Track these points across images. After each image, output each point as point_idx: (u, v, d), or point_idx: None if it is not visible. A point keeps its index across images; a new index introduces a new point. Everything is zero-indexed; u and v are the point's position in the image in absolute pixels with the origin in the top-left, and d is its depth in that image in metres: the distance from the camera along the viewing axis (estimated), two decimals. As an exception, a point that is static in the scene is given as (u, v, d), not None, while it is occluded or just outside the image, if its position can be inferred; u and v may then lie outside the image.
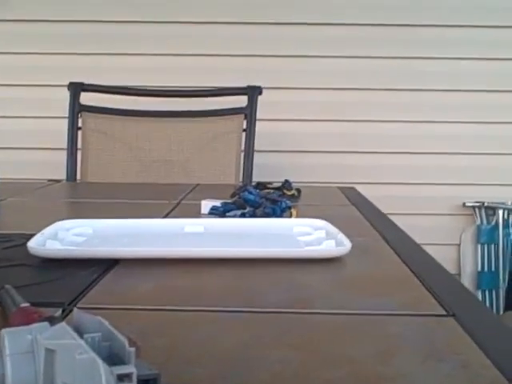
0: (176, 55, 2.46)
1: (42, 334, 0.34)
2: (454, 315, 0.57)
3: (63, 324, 0.36)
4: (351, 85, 2.48)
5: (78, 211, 1.22)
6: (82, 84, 1.96)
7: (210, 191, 1.30)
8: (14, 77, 2.46)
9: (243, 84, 1.99)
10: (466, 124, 2.49)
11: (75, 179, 1.89)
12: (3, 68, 2.48)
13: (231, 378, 0.43)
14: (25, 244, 0.77)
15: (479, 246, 2.51)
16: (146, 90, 2.06)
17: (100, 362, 0.29)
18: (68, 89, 1.94)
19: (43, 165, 2.32)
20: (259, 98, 1.97)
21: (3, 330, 0.35)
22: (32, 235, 0.78)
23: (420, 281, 0.68)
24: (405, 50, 2.46)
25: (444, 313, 0.58)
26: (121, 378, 0.30)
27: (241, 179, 1.89)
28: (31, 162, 2.41)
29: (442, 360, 0.47)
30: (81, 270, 0.70)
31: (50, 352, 0.33)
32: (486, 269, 2.50)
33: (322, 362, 0.46)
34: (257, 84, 1.98)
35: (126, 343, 0.34)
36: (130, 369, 0.30)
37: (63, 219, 0.88)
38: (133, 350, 0.34)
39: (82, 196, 1.47)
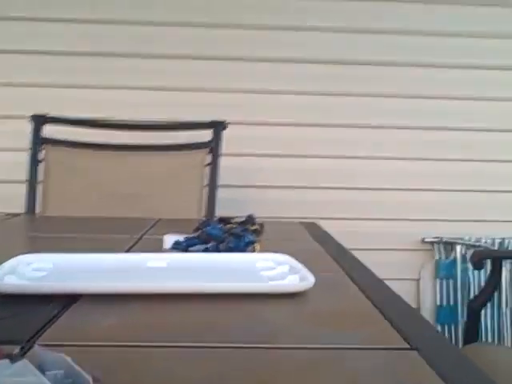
0: (140, 89, 2.46)
1: (2, 372, 0.33)
2: (417, 349, 0.57)
3: (25, 361, 0.35)
4: (315, 121, 2.51)
5: (38, 246, 1.20)
6: (44, 116, 1.94)
7: (172, 226, 1.29)
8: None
9: (208, 118, 2.00)
10: (426, 161, 2.55)
11: (34, 213, 1.86)
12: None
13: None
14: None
15: (438, 281, 2.54)
16: (110, 122, 2.06)
17: (64, 399, 0.29)
18: (30, 121, 1.92)
19: (1, 197, 2.28)
20: (224, 132, 1.99)
21: (-38, 368, 0.34)
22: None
23: (383, 315, 0.69)
24: (370, 86, 2.52)
25: (407, 346, 0.58)
26: (85, 416, 0.29)
27: (203, 214, 1.88)
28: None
29: (405, 394, 0.48)
30: (40, 305, 0.68)
31: (11, 390, 0.32)
32: (444, 303, 2.53)
33: (287, 398, 0.46)
34: (221, 118, 2.00)
35: (91, 380, 0.33)
36: (95, 406, 0.29)
37: (22, 254, 0.87)
38: (97, 386, 0.33)
39: (42, 230, 1.44)
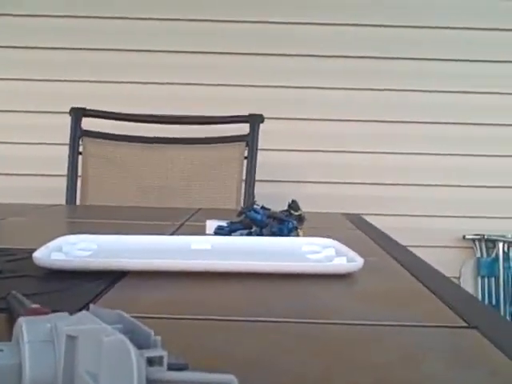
0: (178, 84, 2.47)
1: (62, 322, 0.32)
2: (476, 327, 0.55)
3: (84, 312, 0.34)
4: (351, 116, 2.49)
5: (80, 230, 1.20)
6: (83, 109, 1.96)
7: (212, 215, 1.28)
8: (15, 103, 2.46)
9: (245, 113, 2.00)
10: (467, 157, 2.50)
11: (75, 204, 1.87)
12: (4, 93, 2.48)
13: (255, 380, 0.41)
14: (27, 258, 0.75)
15: (479, 279, 2.49)
16: (147, 116, 2.06)
17: (130, 343, 0.27)
18: (70, 114, 1.94)
19: (42, 191, 2.30)
20: (261, 127, 1.98)
21: (21, 318, 0.33)
22: (33, 249, 0.75)
23: (435, 294, 0.67)
24: (404, 82, 2.48)
25: (465, 325, 0.56)
26: (150, 362, 0.28)
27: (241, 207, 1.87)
28: (30, 188, 2.39)
29: (470, 368, 0.45)
30: (87, 281, 0.68)
31: (71, 339, 0.31)
32: (486, 302, 2.47)
33: (345, 368, 0.45)
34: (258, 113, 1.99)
35: (152, 332, 0.32)
36: (160, 352, 0.28)
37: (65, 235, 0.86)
38: (159, 338, 0.32)
39: (83, 217, 1.45)
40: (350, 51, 2.48)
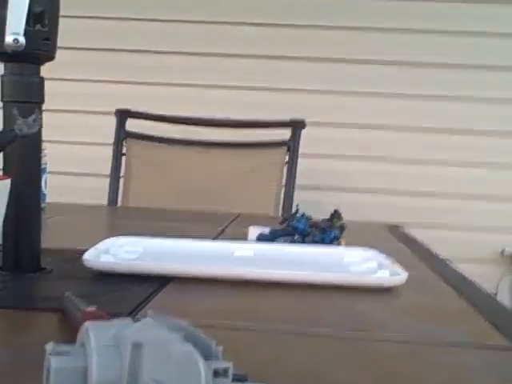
0: (220, 87, 2.49)
1: (127, 329, 0.34)
2: (523, 349, 0.55)
3: (148, 319, 0.35)
4: (395, 124, 2.47)
5: (124, 231, 1.23)
6: (128, 111, 1.99)
7: (253, 221, 1.29)
8: (62, 103, 2.51)
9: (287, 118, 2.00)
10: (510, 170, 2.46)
11: (116, 205, 1.90)
12: (51, 93, 2.53)
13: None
14: (75, 258, 0.77)
15: (518, 296, 2.45)
16: (190, 119, 2.08)
17: (198, 354, 0.28)
18: (115, 115, 1.97)
19: (84, 190, 2.34)
20: (303, 132, 1.98)
21: (87, 323, 0.35)
22: (82, 251, 0.77)
23: (479, 313, 0.66)
24: (455, 90, 2.45)
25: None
26: (216, 372, 0.29)
27: (280, 213, 1.88)
28: (73, 187, 2.43)
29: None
30: (135, 285, 0.69)
31: (137, 346, 0.32)
32: (525, 318, 2.42)
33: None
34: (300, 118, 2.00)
35: (213, 342, 0.33)
36: (225, 363, 0.29)
37: (111, 237, 0.88)
38: (220, 348, 0.33)
39: (127, 218, 1.48)
40: (396, 56, 2.46)
